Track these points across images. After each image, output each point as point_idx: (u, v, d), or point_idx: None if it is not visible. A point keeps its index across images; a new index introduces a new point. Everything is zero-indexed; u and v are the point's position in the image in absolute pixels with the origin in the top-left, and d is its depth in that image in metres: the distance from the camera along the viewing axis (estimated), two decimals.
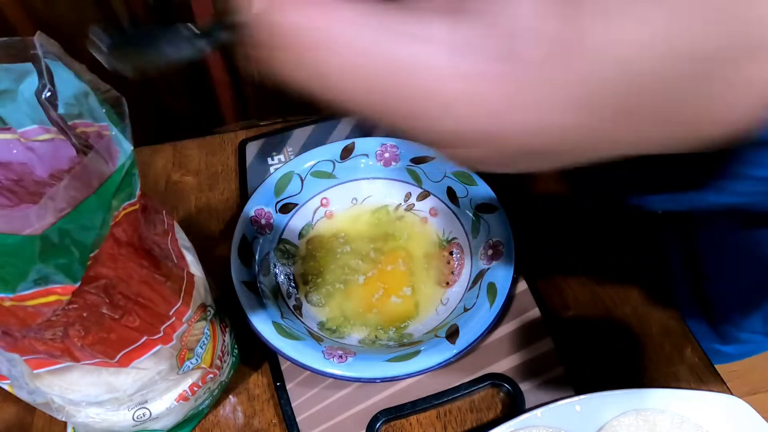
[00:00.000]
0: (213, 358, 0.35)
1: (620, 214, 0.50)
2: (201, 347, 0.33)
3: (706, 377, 0.41)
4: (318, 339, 0.39)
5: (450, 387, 0.40)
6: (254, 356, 0.43)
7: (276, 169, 0.48)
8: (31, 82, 0.24)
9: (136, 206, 0.25)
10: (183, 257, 0.33)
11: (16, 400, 0.30)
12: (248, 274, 0.41)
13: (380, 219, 0.50)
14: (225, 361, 0.38)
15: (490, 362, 0.41)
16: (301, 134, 0.57)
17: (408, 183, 0.50)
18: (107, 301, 0.25)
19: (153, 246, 0.28)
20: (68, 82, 0.23)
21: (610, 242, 0.50)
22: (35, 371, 0.27)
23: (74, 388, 0.29)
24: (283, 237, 0.47)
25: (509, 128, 0.17)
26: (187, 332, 0.31)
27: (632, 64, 0.16)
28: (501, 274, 0.41)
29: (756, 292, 0.46)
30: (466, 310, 0.41)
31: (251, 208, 0.45)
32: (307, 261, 0.47)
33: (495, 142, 0.18)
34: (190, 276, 0.32)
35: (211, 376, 0.36)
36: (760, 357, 0.57)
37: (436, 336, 0.39)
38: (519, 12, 0.16)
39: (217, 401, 0.40)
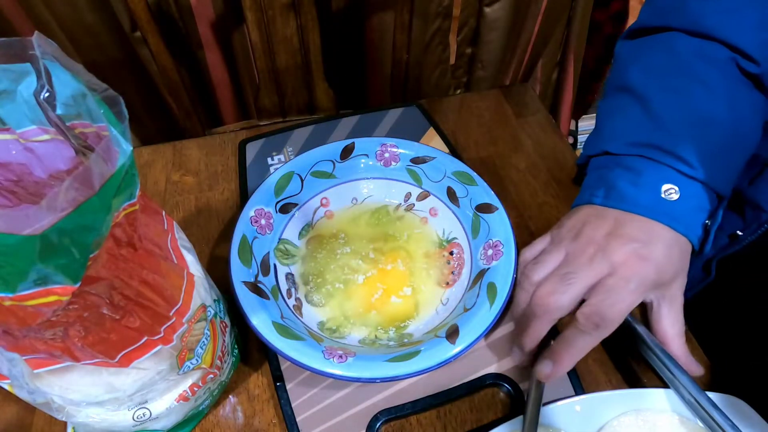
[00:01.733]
0: (213, 359, 0.35)
1: None
2: (201, 347, 0.33)
3: (706, 377, 0.41)
4: (318, 339, 0.40)
5: (450, 387, 0.40)
6: (254, 356, 0.43)
7: (276, 169, 0.48)
8: (30, 82, 0.24)
9: (136, 206, 0.25)
10: (183, 257, 0.33)
11: (17, 400, 0.30)
12: (248, 274, 0.41)
13: (380, 219, 0.50)
14: (225, 361, 0.38)
15: (490, 362, 0.41)
16: (301, 134, 0.57)
17: (408, 183, 0.50)
18: (107, 301, 0.25)
19: (153, 246, 0.28)
20: (66, 82, 0.23)
21: None
22: (35, 371, 0.27)
23: (74, 388, 0.29)
24: (283, 237, 0.47)
25: None
26: (187, 332, 0.31)
27: None
28: (501, 274, 0.41)
29: None
30: (466, 310, 0.41)
31: (251, 208, 0.45)
32: (307, 261, 0.47)
33: None
34: (190, 276, 0.32)
35: (211, 376, 0.36)
36: None
37: (436, 336, 0.39)
38: None
39: (217, 401, 0.40)
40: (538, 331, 0.38)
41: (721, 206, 0.39)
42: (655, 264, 0.36)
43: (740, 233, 0.48)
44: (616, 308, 0.35)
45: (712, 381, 0.41)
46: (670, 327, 0.38)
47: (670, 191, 0.37)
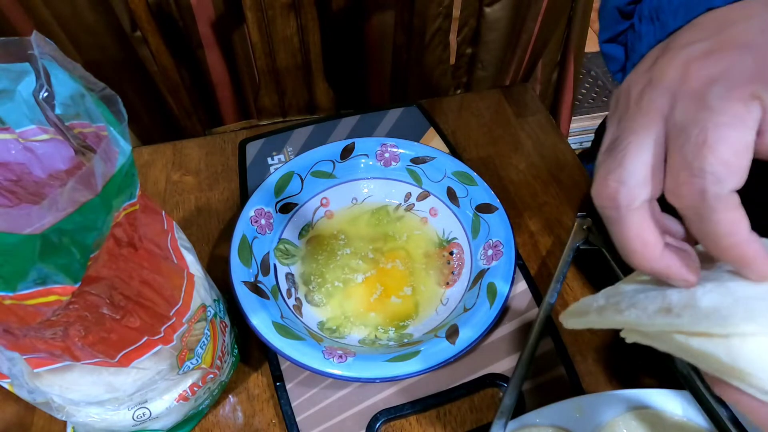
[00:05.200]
0: (213, 358, 0.35)
1: None
2: (201, 347, 0.33)
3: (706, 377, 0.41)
4: (318, 339, 0.39)
5: (450, 387, 0.40)
6: (254, 356, 0.43)
7: (276, 169, 0.48)
8: (29, 82, 0.24)
9: (136, 206, 0.25)
10: (183, 257, 0.33)
11: (17, 399, 0.30)
12: (248, 274, 0.41)
13: (380, 219, 0.50)
14: (225, 361, 0.38)
15: (490, 362, 0.41)
16: (301, 134, 0.57)
17: (408, 183, 0.50)
18: (108, 301, 0.25)
19: (153, 246, 0.28)
20: (64, 82, 0.23)
21: None
22: (35, 370, 0.27)
23: (74, 387, 0.29)
24: (283, 237, 0.47)
25: None
26: (187, 332, 0.31)
27: None
28: (501, 274, 0.41)
29: None
30: (466, 310, 0.41)
31: (251, 208, 0.45)
32: (307, 261, 0.47)
33: None
34: (190, 276, 0.32)
35: (211, 376, 0.36)
36: None
37: (436, 336, 0.39)
38: None
39: (217, 401, 0.40)
40: (629, 237, 0.23)
41: None
42: (745, 46, 0.21)
43: None
44: (707, 147, 0.20)
45: None
46: None
47: None
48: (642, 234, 0.22)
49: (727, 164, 0.20)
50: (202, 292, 0.33)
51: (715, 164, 0.20)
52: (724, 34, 0.22)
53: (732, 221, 0.20)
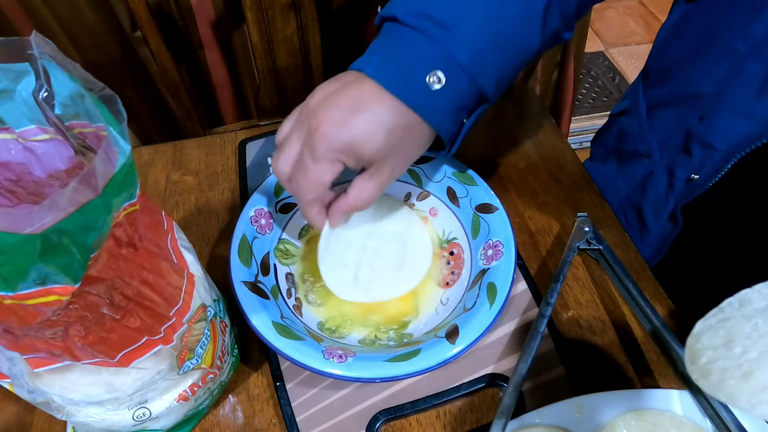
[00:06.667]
0: (213, 358, 0.35)
1: None
2: (201, 347, 0.33)
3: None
4: (318, 339, 0.39)
5: (450, 387, 0.40)
6: (254, 356, 0.43)
7: None
8: (29, 81, 0.24)
9: (136, 206, 0.25)
10: (183, 257, 0.33)
11: (17, 399, 0.30)
12: (248, 274, 0.41)
13: None
14: (225, 361, 0.38)
15: (490, 362, 0.41)
16: None
17: (408, 183, 0.50)
18: (107, 301, 0.25)
19: (153, 246, 0.28)
20: (64, 82, 0.23)
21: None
22: (35, 370, 0.27)
23: (74, 387, 0.29)
24: (283, 237, 0.47)
25: None
26: (187, 332, 0.31)
27: None
28: (501, 274, 0.41)
29: None
30: (466, 310, 0.41)
31: (251, 208, 0.45)
32: (307, 261, 0.47)
33: None
34: (190, 276, 0.32)
35: (211, 376, 0.36)
36: None
37: (436, 336, 0.39)
38: None
39: (217, 401, 0.40)
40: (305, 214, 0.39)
41: (481, 108, 0.38)
42: (350, 134, 0.34)
43: (695, 176, 0.46)
44: (303, 181, 0.36)
45: None
46: (355, 190, 0.37)
47: (435, 79, 0.34)
48: (311, 210, 0.38)
49: (303, 195, 0.37)
50: (202, 292, 0.33)
51: (299, 193, 0.37)
52: (352, 117, 0.34)
53: (312, 211, 0.38)
